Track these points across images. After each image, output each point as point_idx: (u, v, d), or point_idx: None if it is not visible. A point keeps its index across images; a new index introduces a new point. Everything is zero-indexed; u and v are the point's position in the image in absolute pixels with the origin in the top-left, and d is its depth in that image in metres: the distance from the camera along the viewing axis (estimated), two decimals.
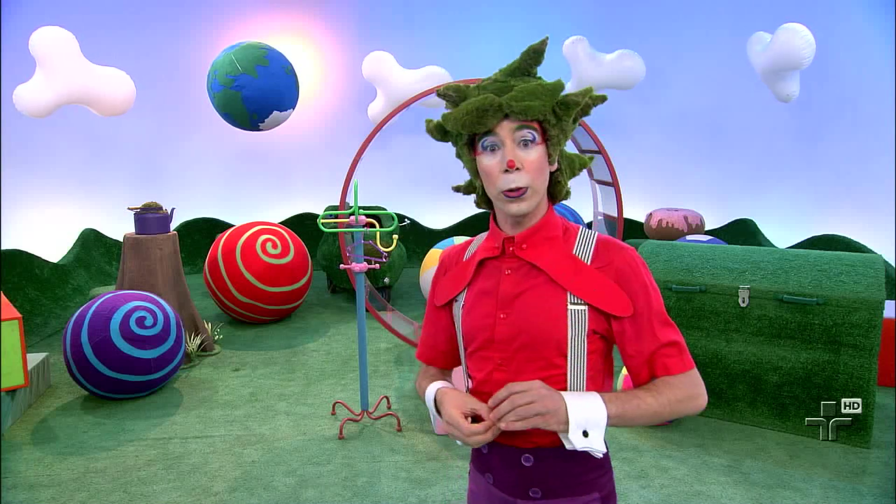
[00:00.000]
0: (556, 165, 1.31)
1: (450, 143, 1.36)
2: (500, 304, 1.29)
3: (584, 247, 1.30)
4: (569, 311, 1.25)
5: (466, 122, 1.23)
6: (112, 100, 5.28)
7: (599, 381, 1.31)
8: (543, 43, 1.27)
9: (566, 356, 1.26)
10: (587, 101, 1.28)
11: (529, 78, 1.27)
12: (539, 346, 1.26)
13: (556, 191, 1.34)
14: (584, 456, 1.29)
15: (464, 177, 1.46)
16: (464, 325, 1.35)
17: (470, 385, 1.39)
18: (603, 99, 1.31)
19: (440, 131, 1.34)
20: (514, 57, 1.30)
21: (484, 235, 1.41)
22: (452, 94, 1.29)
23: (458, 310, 1.38)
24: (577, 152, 1.40)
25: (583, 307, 1.25)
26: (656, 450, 3.44)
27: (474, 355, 1.34)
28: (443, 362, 1.50)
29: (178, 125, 7.93)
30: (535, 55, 1.27)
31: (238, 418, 3.91)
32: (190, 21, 7.67)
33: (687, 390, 1.25)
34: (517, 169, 1.22)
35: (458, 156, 1.35)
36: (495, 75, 1.29)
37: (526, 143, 1.23)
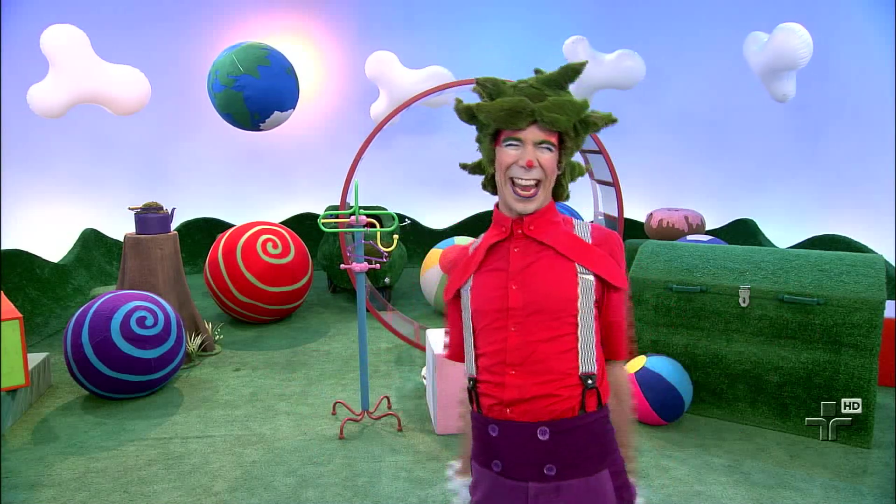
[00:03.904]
0: (561, 170, 1.46)
1: (462, 131, 1.52)
2: (511, 276, 1.41)
3: (582, 230, 1.46)
4: (579, 279, 1.38)
5: (499, 118, 1.37)
6: (127, 99, 5.26)
7: (601, 350, 1.44)
8: (583, 64, 1.42)
9: (576, 318, 1.37)
10: (604, 124, 1.44)
11: (561, 91, 1.41)
12: (551, 311, 1.37)
13: (558, 192, 1.49)
14: (598, 428, 1.40)
15: (464, 175, 1.52)
16: (473, 302, 1.44)
17: (477, 364, 1.44)
18: (615, 121, 1.46)
19: (468, 114, 1.45)
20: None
21: (482, 235, 1.53)
22: (489, 87, 1.43)
23: (465, 293, 1.46)
24: (576, 161, 1.54)
25: (590, 277, 1.39)
26: (656, 450, 3.44)
27: (485, 330, 1.42)
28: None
29: (179, 125, 7.93)
30: (572, 73, 1.41)
31: (238, 418, 3.91)
32: (190, 21, 7.67)
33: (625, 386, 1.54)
34: (533, 167, 1.37)
35: (478, 140, 1.48)
36: (531, 80, 1.43)
37: (543, 149, 1.38)
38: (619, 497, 1.41)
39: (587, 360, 1.38)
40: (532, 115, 1.35)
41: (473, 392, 1.46)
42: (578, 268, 1.39)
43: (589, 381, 1.37)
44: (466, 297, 1.46)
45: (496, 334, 1.40)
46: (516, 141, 1.38)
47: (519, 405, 1.37)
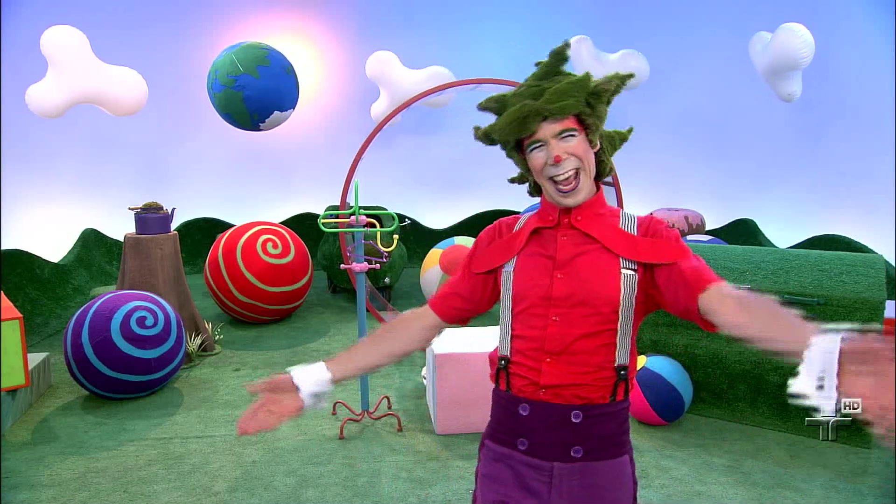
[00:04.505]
0: (598, 146, 1.43)
1: (476, 147, 1.52)
2: (558, 264, 1.41)
3: (628, 223, 1.44)
4: (622, 275, 1.37)
5: (511, 130, 1.39)
6: (125, 100, 5.27)
7: (635, 342, 1.44)
8: (566, 45, 1.40)
9: (617, 315, 1.37)
10: (616, 85, 1.41)
11: (559, 77, 1.39)
12: (595, 303, 1.37)
13: (600, 169, 1.48)
14: (623, 416, 1.42)
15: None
16: (515, 286, 1.45)
17: (512, 345, 1.45)
18: (630, 77, 1.43)
19: (488, 138, 1.47)
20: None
21: (528, 214, 1.54)
22: (494, 106, 1.44)
23: (506, 275, 1.47)
24: (615, 129, 1.51)
25: (633, 273, 1.38)
26: (657, 450, 3.44)
27: (524, 314, 1.43)
28: (445, 315, 1.58)
29: (179, 125, 7.93)
30: (559, 56, 1.40)
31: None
32: (190, 21, 7.67)
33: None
34: (565, 161, 1.36)
35: (509, 156, 1.50)
36: (528, 81, 1.42)
37: (566, 137, 1.37)
38: (634, 481, 1.46)
39: (623, 353, 1.40)
40: (539, 113, 1.35)
41: (504, 371, 1.47)
42: (622, 262, 1.38)
43: (622, 372, 1.40)
44: (508, 279, 1.46)
45: (536, 320, 1.40)
46: (538, 143, 1.38)
47: (553, 389, 1.39)
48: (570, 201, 1.40)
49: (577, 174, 1.38)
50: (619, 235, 1.40)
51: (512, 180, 1.60)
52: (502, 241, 1.51)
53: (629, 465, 1.44)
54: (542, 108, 1.34)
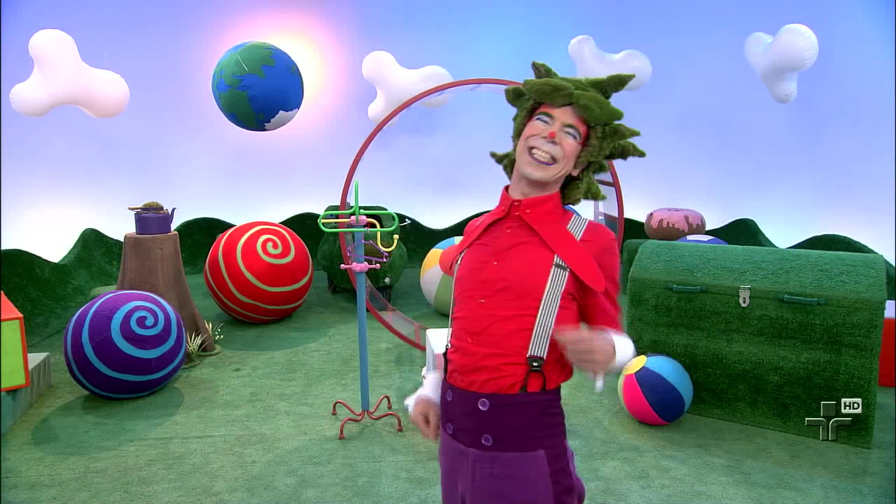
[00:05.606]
0: (576, 172, 1.54)
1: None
2: (496, 252, 1.50)
3: (576, 226, 1.52)
4: (552, 269, 1.45)
5: (541, 90, 1.49)
6: (106, 102, 5.32)
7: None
8: (630, 77, 1.53)
9: (539, 303, 1.43)
10: (628, 144, 1.55)
11: (603, 95, 1.52)
12: (517, 290, 1.44)
13: (569, 192, 1.57)
14: (537, 410, 1.45)
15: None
16: (459, 271, 1.56)
17: (452, 329, 1.55)
18: (641, 154, 1.60)
19: (515, 95, 1.59)
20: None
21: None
22: (542, 70, 1.58)
23: (457, 263, 1.58)
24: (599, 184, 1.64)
25: (565, 271, 1.45)
26: (657, 450, 3.44)
27: (461, 297, 1.54)
28: None
29: (179, 125, 7.93)
30: (619, 82, 1.53)
31: (239, 418, 3.91)
32: (190, 22, 7.67)
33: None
34: (554, 142, 1.45)
35: (515, 117, 1.59)
36: (585, 78, 1.54)
37: (569, 133, 1.47)
38: (555, 481, 1.45)
39: (539, 343, 1.44)
40: (570, 97, 1.46)
41: (445, 358, 1.57)
42: (556, 259, 1.45)
43: (535, 363, 1.44)
44: (456, 266, 1.58)
45: (468, 303, 1.50)
46: (548, 117, 1.47)
47: (468, 374, 1.47)
48: (536, 173, 1.47)
49: (552, 160, 1.47)
50: (560, 234, 1.48)
51: (493, 154, 1.70)
52: (465, 239, 1.64)
53: (545, 463, 1.45)
54: (575, 95, 1.46)
